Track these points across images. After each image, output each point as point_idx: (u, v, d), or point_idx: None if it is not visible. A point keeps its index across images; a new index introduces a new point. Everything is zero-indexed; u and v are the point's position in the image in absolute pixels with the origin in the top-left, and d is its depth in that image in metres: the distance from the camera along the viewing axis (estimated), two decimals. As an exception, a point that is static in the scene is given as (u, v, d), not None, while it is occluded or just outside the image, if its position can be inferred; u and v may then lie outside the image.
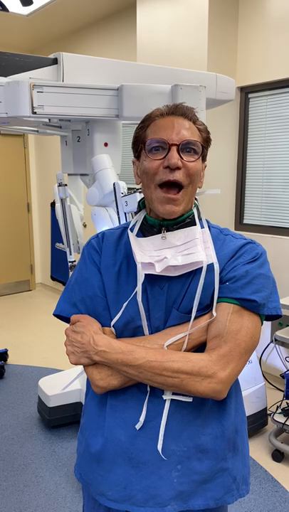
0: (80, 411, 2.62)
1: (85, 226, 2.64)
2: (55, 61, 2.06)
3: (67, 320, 1.10)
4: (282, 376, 2.61)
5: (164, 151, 0.97)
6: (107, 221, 2.12)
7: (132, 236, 1.04)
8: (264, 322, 1.04)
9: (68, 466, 2.40)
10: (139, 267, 0.98)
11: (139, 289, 0.98)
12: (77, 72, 2.08)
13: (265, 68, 3.10)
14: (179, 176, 0.96)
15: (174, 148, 0.96)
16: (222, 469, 1.02)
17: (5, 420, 2.84)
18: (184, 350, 0.98)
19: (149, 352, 0.96)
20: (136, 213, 1.10)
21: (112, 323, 1.02)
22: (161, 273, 0.97)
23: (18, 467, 2.40)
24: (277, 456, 2.43)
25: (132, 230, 1.07)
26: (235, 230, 3.52)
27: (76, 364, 1.02)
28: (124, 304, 1.01)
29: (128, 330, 1.02)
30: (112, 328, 1.03)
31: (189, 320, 0.99)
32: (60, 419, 2.68)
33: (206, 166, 1.06)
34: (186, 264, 0.97)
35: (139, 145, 1.04)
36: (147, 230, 1.05)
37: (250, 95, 3.31)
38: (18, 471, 2.36)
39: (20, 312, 4.99)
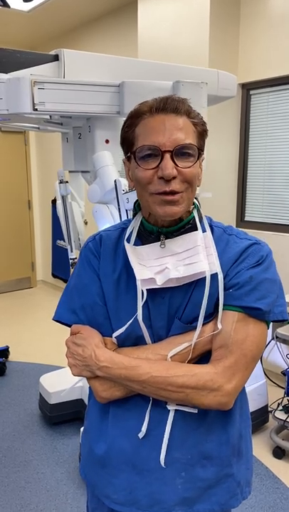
0: (82, 407, 2.63)
1: (86, 223, 2.63)
2: (56, 57, 2.05)
3: (67, 325, 1.07)
4: (283, 373, 2.61)
5: (156, 158, 0.89)
6: (109, 218, 2.11)
7: (129, 248, 0.98)
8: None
9: (69, 462, 2.41)
10: (138, 284, 0.94)
11: (139, 312, 0.95)
12: (79, 69, 2.08)
13: (266, 65, 3.09)
14: (175, 185, 0.89)
15: (168, 156, 0.88)
16: (227, 475, 1.00)
17: (6, 417, 2.84)
18: (188, 360, 0.96)
19: (153, 367, 0.93)
20: (133, 216, 1.05)
21: (115, 335, 1.00)
22: (162, 285, 0.94)
23: (19, 464, 2.40)
24: (278, 453, 2.44)
25: (128, 239, 1.01)
26: (236, 227, 3.51)
27: (78, 376, 1.00)
28: (128, 323, 0.97)
29: (130, 339, 0.99)
30: (114, 339, 1.00)
31: (192, 329, 0.95)
32: (61, 416, 2.69)
33: (204, 159, 0.98)
34: (188, 276, 0.93)
35: (128, 146, 0.96)
36: (145, 235, 0.99)
37: (251, 92, 3.30)
38: (20, 468, 2.37)
39: (22, 309, 5.00)
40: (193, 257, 0.94)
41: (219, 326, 0.94)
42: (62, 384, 2.68)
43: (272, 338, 2.75)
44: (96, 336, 0.99)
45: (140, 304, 0.95)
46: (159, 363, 0.94)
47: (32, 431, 2.69)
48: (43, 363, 3.59)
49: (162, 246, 0.96)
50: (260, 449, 2.50)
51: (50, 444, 2.56)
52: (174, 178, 0.89)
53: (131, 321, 0.97)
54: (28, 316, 4.75)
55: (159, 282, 0.93)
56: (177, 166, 0.89)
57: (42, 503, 2.13)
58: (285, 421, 2.41)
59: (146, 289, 0.95)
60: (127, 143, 0.97)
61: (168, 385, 0.91)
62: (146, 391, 0.94)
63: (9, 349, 3.69)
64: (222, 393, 0.91)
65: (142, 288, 0.94)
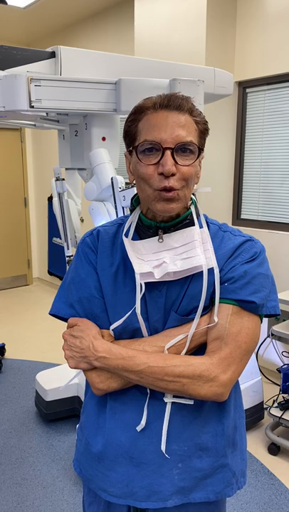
0: (78, 405, 2.63)
1: (82, 221, 2.64)
2: (52, 54, 2.05)
3: (63, 319, 1.08)
4: (279, 370, 2.63)
5: (157, 153, 0.91)
6: (105, 216, 2.12)
7: (127, 242, 1.00)
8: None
9: (65, 459, 2.41)
10: (137, 277, 0.96)
11: (138, 305, 0.96)
12: (75, 66, 2.07)
13: (263, 63, 3.10)
14: (173, 182, 0.91)
15: (168, 153, 0.90)
16: (222, 465, 1.03)
17: (2, 414, 2.84)
18: (184, 352, 0.97)
19: (150, 357, 0.94)
20: (130, 211, 1.06)
21: (112, 327, 1.01)
22: (160, 279, 0.95)
23: (15, 461, 2.41)
24: (274, 449, 2.45)
25: (126, 234, 1.02)
26: (232, 225, 3.53)
27: (75, 368, 1.01)
28: (126, 315, 0.98)
29: (127, 332, 1.01)
30: (111, 331, 1.01)
31: (187, 322, 0.98)
32: (57, 413, 2.69)
33: (203, 157, 0.99)
34: (186, 270, 0.95)
35: (130, 140, 0.98)
36: (143, 230, 1.01)
37: (248, 90, 3.30)
38: (16, 465, 2.38)
39: (18, 307, 4.99)
40: (190, 252, 0.96)
41: (215, 319, 0.95)
42: (59, 381, 2.68)
43: (268, 336, 2.76)
44: (93, 328, 1.00)
45: (139, 296, 0.96)
46: (156, 353, 0.95)
47: (28, 428, 2.70)
48: (39, 361, 3.59)
49: (160, 240, 0.98)
50: (255, 445, 2.52)
51: (46, 441, 2.57)
52: (173, 174, 0.91)
53: (129, 313, 0.98)
54: (24, 314, 4.75)
55: (157, 276, 0.95)
56: (177, 163, 0.91)
57: (38, 499, 2.14)
58: (280, 418, 2.42)
59: (144, 283, 0.96)
60: (130, 137, 0.98)
61: (165, 375, 0.93)
62: (143, 381, 0.95)
63: (5, 346, 3.69)
64: (218, 383, 0.93)
65: (140, 281, 0.96)
